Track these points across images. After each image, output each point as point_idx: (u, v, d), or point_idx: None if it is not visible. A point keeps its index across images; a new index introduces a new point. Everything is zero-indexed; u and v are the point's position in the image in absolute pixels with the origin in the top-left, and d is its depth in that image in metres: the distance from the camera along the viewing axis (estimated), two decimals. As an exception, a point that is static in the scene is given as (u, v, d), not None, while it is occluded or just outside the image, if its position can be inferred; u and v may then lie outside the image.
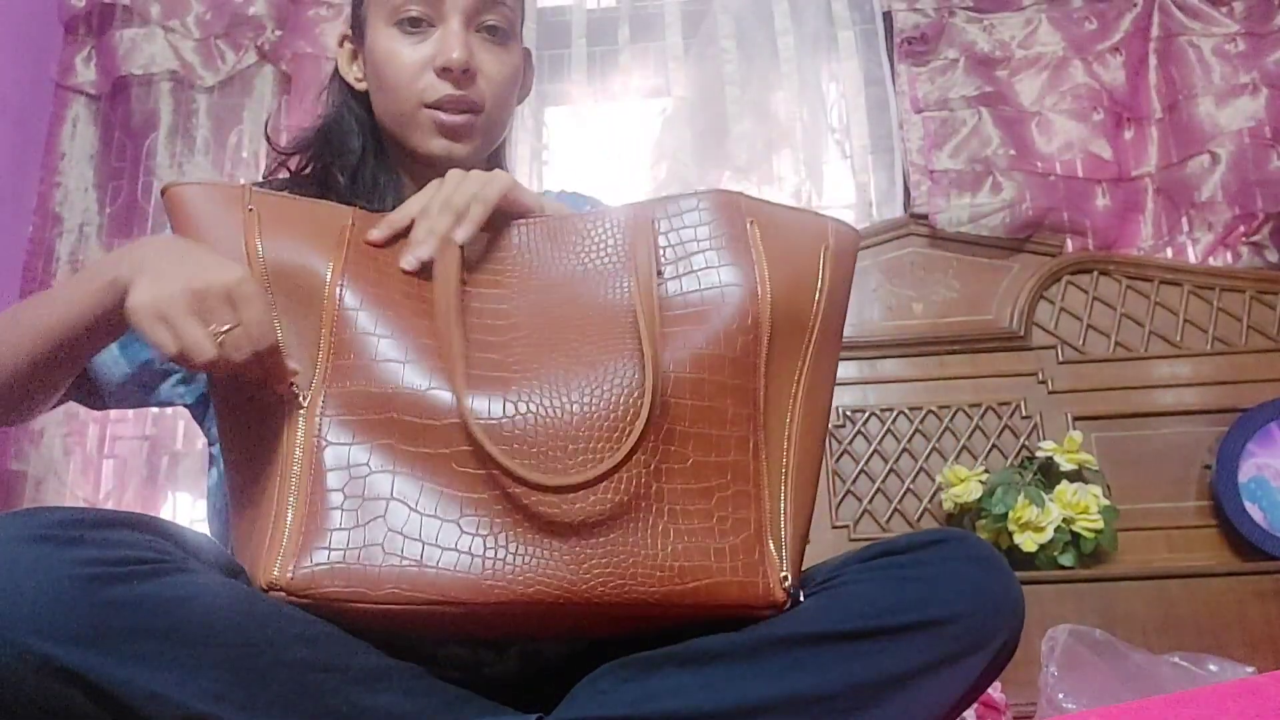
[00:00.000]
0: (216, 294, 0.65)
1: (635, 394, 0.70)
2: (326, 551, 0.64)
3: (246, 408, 0.71)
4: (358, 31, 0.95)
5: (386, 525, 0.65)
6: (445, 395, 0.68)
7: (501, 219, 0.79)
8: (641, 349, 0.70)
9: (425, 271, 0.75)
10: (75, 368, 0.81)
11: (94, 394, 0.91)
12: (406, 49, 0.89)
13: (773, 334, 0.75)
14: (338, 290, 0.71)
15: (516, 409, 0.69)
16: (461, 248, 0.75)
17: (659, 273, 0.75)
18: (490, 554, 0.65)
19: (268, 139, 1.12)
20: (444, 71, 0.88)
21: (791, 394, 0.76)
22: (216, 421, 0.74)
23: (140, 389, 0.92)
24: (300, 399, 0.69)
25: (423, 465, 0.67)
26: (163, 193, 0.73)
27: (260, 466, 0.70)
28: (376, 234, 0.76)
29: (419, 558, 0.64)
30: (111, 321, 0.72)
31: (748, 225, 0.78)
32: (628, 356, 0.71)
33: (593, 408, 0.69)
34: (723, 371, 0.73)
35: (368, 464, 0.67)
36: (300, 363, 0.70)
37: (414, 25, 0.89)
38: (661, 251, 0.77)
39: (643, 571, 0.67)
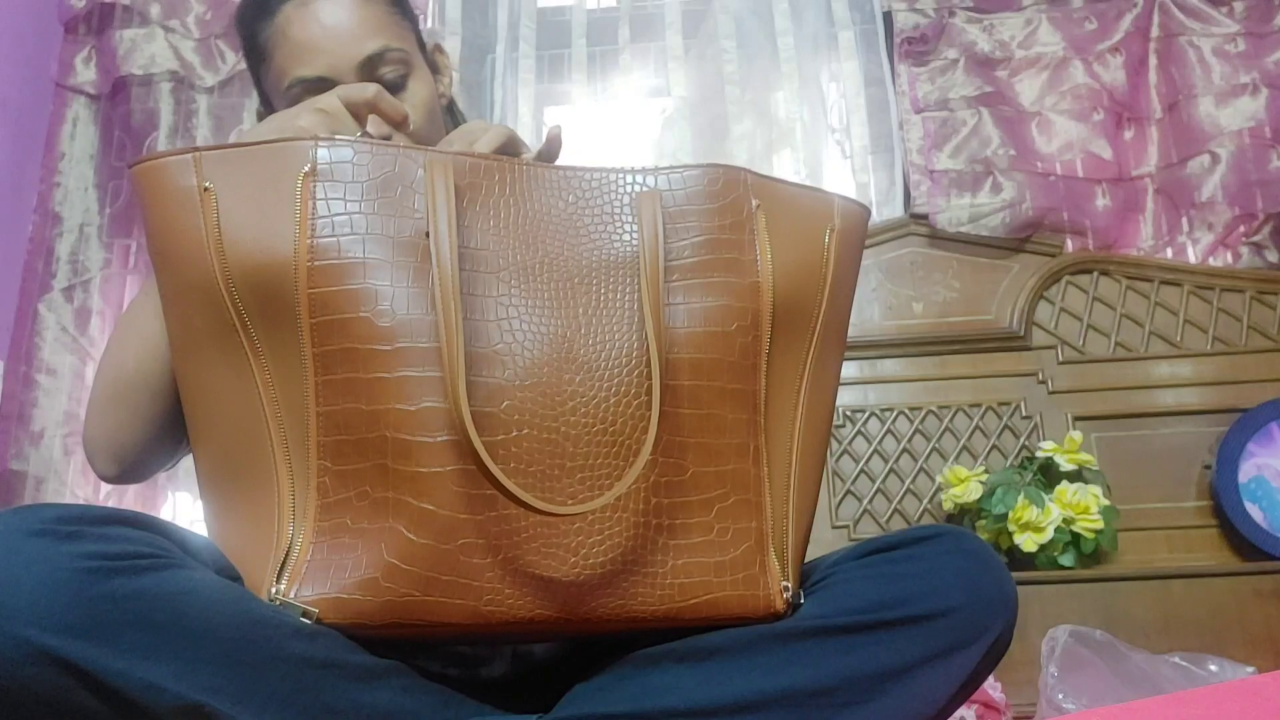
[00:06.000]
0: None
1: (634, 405, 0.67)
2: (327, 582, 0.62)
3: (228, 418, 0.67)
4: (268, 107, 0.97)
5: (384, 555, 0.62)
6: (441, 409, 0.63)
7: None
8: (646, 360, 0.67)
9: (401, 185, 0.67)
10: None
11: None
12: None
13: (774, 330, 0.72)
14: (307, 281, 0.65)
15: (513, 422, 0.64)
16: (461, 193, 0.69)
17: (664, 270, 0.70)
18: (489, 580, 0.63)
19: None
20: None
21: (796, 390, 0.74)
22: (188, 423, 0.71)
23: None
24: (290, 420, 0.65)
25: (418, 485, 0.63)
26: (129, 169, 0.71)
27: (247, 479, 0.67)
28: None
29: (417, 589, 0.62)
30: None
31: (753, 208, 0.74)
32: (624, 359, 0.68)
33: (590, 420, 0.66)
34: (720, 377, 0.69)
35: (364, 488, 0.63)
36: (284, 376, 0.66)
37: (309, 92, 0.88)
38: (665, 232, 0.71)
39: (642, 591, 0.65)
